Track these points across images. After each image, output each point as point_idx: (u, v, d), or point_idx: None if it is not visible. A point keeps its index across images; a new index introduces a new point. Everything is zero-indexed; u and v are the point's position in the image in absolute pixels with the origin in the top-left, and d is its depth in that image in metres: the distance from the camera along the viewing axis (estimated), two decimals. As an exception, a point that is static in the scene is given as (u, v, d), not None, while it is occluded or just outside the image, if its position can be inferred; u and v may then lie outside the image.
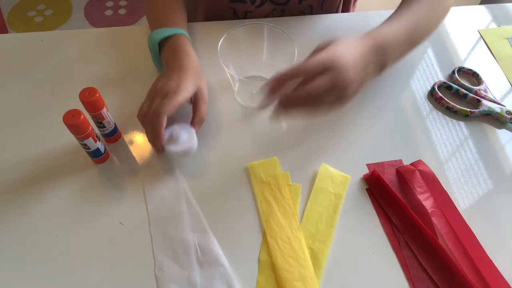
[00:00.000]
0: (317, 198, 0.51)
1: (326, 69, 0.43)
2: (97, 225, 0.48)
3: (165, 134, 0.50)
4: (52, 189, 0.51)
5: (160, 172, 0.53)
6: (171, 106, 0.48)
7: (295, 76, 0.44)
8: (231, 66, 0.57)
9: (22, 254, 0.46)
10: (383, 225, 0.49)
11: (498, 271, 0.46)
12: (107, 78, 0.62)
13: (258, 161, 0.53)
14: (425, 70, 0.65)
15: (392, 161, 0.55)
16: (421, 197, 0.50)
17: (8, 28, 1.80)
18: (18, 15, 1.85)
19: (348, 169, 0.53)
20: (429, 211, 0.49)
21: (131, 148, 0.55)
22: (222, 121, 0.58)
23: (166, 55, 0.57)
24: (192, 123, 0.52)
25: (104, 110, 0.50)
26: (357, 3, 0.81)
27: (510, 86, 0.64)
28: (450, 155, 0.56)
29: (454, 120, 0.59)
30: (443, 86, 0.63)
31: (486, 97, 0.60)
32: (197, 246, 0.47)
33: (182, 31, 0.58)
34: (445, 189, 0.52)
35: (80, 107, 0.48)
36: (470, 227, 0.49)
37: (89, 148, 0.50)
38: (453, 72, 0.64)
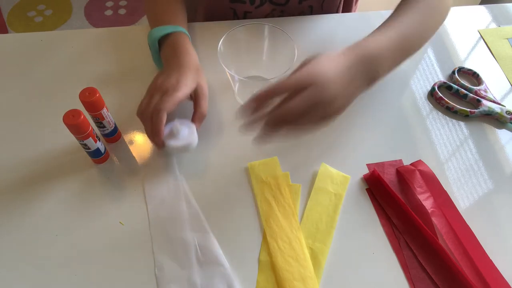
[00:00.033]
0: (317, 198, 0.51)
1: (306, 86, 0.42)
2: (97, 225, 0.48)
3: (166, 129, 0.50)
4: (52, 189, 0.51)
5: (160, 172, 0.53)
6: (170, 103, 0.48)
7: (274, 94, 0.43)
8: (231, 66, 0.57)
9: (22, 254, 0.46)
10: (383, 225, 0.49)
11: (498, 271, 0.46)
12: (107, 78, 0.62)
13: (258, 161, 0.53)
14: (425, 70, 0.65)
15: (392, 161, 0.55)
16: (421, 197, 0.50)
17: (8, 28, 1.80)
18: (18, 15, 1.85)
19: (348, 169, 0.53)
20: (429, 211, 0.49)
21: (131, 148, 0.55)
22: (222, 121, 0.58)
23: (165, 52, 0.57)
24: (193, 120, 0.52)
25: (104, 110, 0.50)
26: (358, 3, 0.81)
27: (510, 86, 0.64)
28: (450, 155, 0.56)
29: (454, 120, 0.59)
30: (443, 86, 0.63)
31: (486, 97, 0.60)
32: (197, 246, 0.47)
33: (182, 29, 0.58)
34: (445, 189, 0.52)
35: (80, 107, 0.48)
36: (470, 227, 0.49)
37: (89, 148, 0.50)
38: (453, 72, 0.64)
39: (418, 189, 0.51)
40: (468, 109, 0.59)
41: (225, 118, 0.58)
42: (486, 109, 0.59)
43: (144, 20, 1.85)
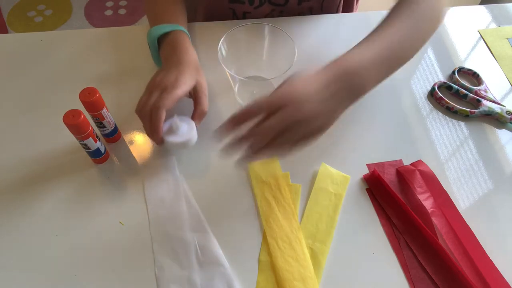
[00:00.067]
0: (317, 198, 0.51)
1: (280, 106, 0.41)
2: (97, 225, 0.48)
3: (165, 125, 0.50)
4: (52, 189, 0.51)
5: (160, 172, 0.53)
6: (169, 100, 0.48)
7: (250, 115, 0.42)
8: (231, 66, 0.57)
9: (22, 254, 0.46)
10: (383, 225, 0.49)
11: (498, 271, 0.46)
12: (107, 78, 0.62)
13: (258, 161, 0.53)
14: (425, 70, 0.65)
15: (392, 161, 0.54)
16: (421, 197, 0.50)
17: (8, 28, 1.80)
18: (18, 15, 1.85)
19: (348, 169, 0.53)
20: (429, 211, 0.49)
21: (131, 148, 0.55)
22: (222, 121, 0.58)
23: (165, 50, 0.57)
24: (193, 117, 0.52)
25: (104, 110, 0.50)
26: (359, 4, 0.81)
27: (510, 86, 0.64)
28: (450, 155, 0.56)
29: (454, 120, 0.59)
30: (443, 86, 0.63)
31: (486, 97, 0.60)
32: (197, 246, 0.47)
33: (181, 27, 0.58)
34: (445, 189, 0.52)
35: (80, 107, 0.48)
36: (470, 227, 0.49)
37: (89, 148, 0.50)
38: (453, 72, 0.64)
39: (418, 189, 0.51)
40: (468, 109, 0.59)
41: (225, 118, 0.58)
42: (486, 109, 0.59)
43: (144, 20, 1.85)
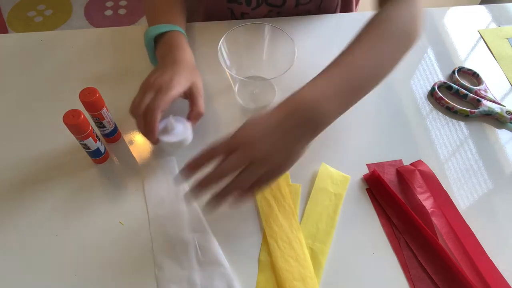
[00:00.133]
0: (317, 198, 0.51)
1: (236, 147, 0.41)
2: (97, 225, 0.48)
3: (160, 125, 0.50)
4: (52, 189, 0.51)
5: (160, 172, 0.53)
6: (164, 102, 0.48)
7: (207, 158, 0.42)
8: (231, 66, 0.57)
9: (22, 254, 0.46)
10: (383, 225, 0.49)
11: (498, 271, 0.46)
12: (107, 78, 0.62)
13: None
14: (425, 70, 0.65)
15: (392, 161, 0.55)
16: (421, 197, 0.50)
17: (8, 28, 1.80)
18: (18, 15, 1.85)
19: (348, 169, 0.53)
20: (429, 211, 0.49)
21: (131, 148, 0.55)
22: (222, 121, 0.58)
23: (161, 50, 0.57)
24: (189, 118, 0.52)
25: (104, 110, 0.50)
26: (359, 5, 0.81)
27: (510, 86, 0.64)
28: (450, 155, 0.56)
29: (454, 120, 0.59)
30: (443, 86, 0.63)
31: (486, 97, 0.60)
32: (197, 246, 0.47)
33: (178, 28, 0.58)
34: (445, 189, 0.52)
35: (80, 107, 0.48)
36: (470, 227, 0.49)
37: (89, 148, 0.50)
38: (453, 72, 0.64)
39: (418, 189, 0.51)
40: (468, 109, 0.59)
41: (225, 118, 0.58)
42: (486, 109, 0.59)
43: (144, 20, 1.84)
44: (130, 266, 0.46)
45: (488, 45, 0.69)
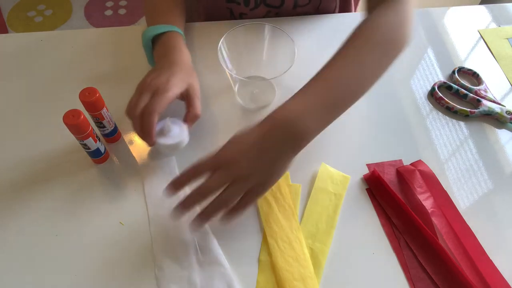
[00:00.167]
0: (317, 198, 0.51)
1: (219, 165, 0.42)
2: (97, 225, 0.48)
3: (157, 127, 0.50)
4: (52, 189, 0.51)
5: (160, 172, 0.53)
6: (161, 104, 0.48)
7: (192, 176, 0.43)
8: (231, 66, 0.57)
9: (22, 254, 0.46)
10: (383, 225, 0.49)
11: (498, 271, 0.46)
12: (107, 78, 0.62)
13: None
14: (425, 70, 0.65)
15: (392, 161, 0.55)
16: (421, 197, 0.50)
17: (8, 28, 1.80)
18: (18, 15, 1.85)
19: (348, 169, 0.53)
20: (429, 211, 0.49)
21: (131, 148, 0.55)
22: (222, 121, 0.58)
23: (158, 51, 0.56)
24: (186, 120, 0.52)
25: (104, 110, 0.50)
26: (358, 6, 0.81)
27: (510, 86, 0.64)
28: (450, 155, 0.56)
29: (454, 120, 0.59)
30: (443, 86, 0.63)
31: (486, 97, 0.60)
32: (197, 246, 0.47)
33: (176, 28, 0.57)
34: (445, 189, 0.52)
35: (80, 107, 0.48)
36: (470, 227, 0.49)
37: (89, 148, 0.50)
38: (453, 72, 0.64)
39: (418, 189, 0.51)
40: (468, 109, 0.59)
41: (225, 118, 0.58)
42: (486, 109, 0.59)
43: (144, 20, 1.85)
44: (130, 266, 0.46)
45: (488, 45, 0.69)
